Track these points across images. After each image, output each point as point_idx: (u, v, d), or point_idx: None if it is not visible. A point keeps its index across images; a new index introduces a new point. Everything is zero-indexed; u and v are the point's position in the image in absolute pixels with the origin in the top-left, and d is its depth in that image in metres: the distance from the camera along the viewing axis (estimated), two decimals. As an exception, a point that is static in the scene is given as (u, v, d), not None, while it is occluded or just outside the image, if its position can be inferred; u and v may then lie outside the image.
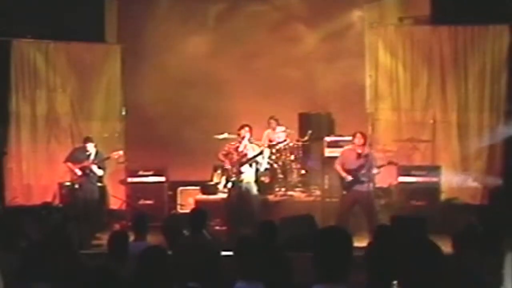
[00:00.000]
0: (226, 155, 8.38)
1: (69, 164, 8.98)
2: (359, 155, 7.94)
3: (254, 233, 5.68)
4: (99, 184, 9.26)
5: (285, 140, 9.57)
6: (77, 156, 8.98)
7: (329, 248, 2.75)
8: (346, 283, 2.70)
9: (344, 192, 8.04)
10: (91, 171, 8.86)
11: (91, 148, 8.94)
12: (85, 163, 8.84)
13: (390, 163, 8.25)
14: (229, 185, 8.31)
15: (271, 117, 9.96)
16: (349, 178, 7.91)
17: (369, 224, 7.80)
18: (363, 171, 7.89)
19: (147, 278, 3.39)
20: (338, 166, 8.11)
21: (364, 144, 7.98)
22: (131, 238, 5.44)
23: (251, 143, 8.40)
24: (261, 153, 8.19)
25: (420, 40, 9.66)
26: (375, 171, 7.94)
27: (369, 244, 4.23)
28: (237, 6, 11.12)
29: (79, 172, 8.83)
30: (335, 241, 2.78)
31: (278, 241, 5.62)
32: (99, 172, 8.96)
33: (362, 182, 7.93)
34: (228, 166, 8.32)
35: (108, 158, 9.04)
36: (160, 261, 3.48)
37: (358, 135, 7.97)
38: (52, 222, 7.40)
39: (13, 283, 3.83)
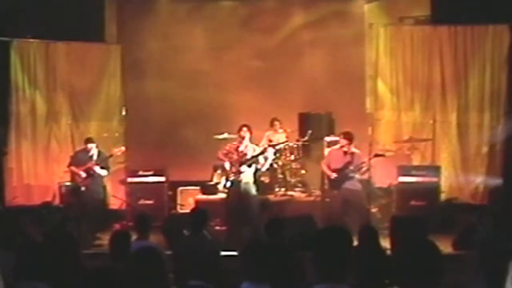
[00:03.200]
0: (226, 155, 8.37)
1: (73, 168, 8.95)
2: (345, 153, 8.16)
3: (261, 231, 5.71)
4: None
5: (285, 141, 9.58)
6: (79, 158, 8.94)
7: (330, 247, 2.75)
8: (347, 282, 2.70)
9: (335, 191, 8.12)
10: (95, 172, 8.82)
11: (93, 149, 8.91)
12: (89, 164, 8.79)
13: (376, 155, 8.32)
14: (228, 184, 8.30)
15: (275, 119, 9.97)
16: (334, 175, 8.15)
17: (360, 223, 7.82)
18: (350, 167, 8.09)
19: (142, 278, 3.39)
20: (324, 166, 8.37)
21: (349, 143, 8.16)
22: (133, 237, 5.45)
23: (251, 143, 8.40)
24: (264, 151, 8.19)
25: (420, 40, 9.65)
26: (363, 169, 8.18)
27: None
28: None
29: (83, 175, 8.78)
30: (336, 241, 2.78)
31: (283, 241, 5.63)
32: (103, 173, 8.90)
33: (350, 178, 8.11)
34: (227, 165, 8.31)
35: (111, 156, 9.01)
36: (155, 261, 3.48)
37: (342, 135, 8.25)
38: (52, 222, 7.41)
39: (13, 283, 3.82)
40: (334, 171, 8.20)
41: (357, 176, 8.22)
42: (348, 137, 8.20)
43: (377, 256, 5.07)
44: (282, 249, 5.06)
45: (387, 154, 8.99)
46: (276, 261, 3.11)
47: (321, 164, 8.53)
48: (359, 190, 8.19)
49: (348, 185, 8.11)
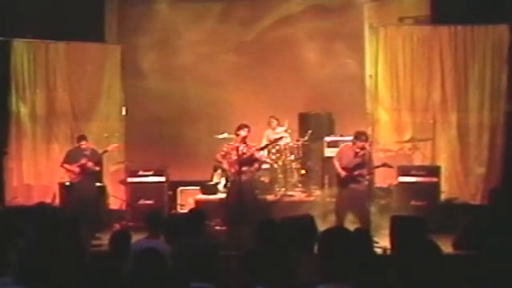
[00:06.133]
0: (224, 156, 8.37)
1: (66, 165, 8.86)
2: (356, 154, 7.89)
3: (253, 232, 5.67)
4: (98, 184, 9.25)
5: (283, 136, 9.51)
6: (72, 156, 8.84)
7: (333, 248, 2.75)
8: (350, 283, 2.69)
9: (340, 190, 8.05)
10: (88, 168, 8.74)
11: (86, 146, 8.82)
12: (82, 161, 8.72)
13: (384, 165, 8.23)
14: (229, 185, 8.32)
15: (272, 117, 9.98)
16: (343, 174, 7.88)
17: (361, 223, 7.81)
18: (359, 171, 7.86)
19: (143, 279, 3.39)
20: (336, 162, 8.06)
21: (364, 146, 7.88)
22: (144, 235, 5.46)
23: (250, 143, 8.41)
24: (280, 138, 8.27)
25: (420, 40, 9.65)
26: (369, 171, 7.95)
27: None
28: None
29: (76, 170, 8.69)
30: (339, 242, 2.78)
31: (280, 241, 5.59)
32: (95, 168, 8.84)
33: (357, 182, 7.92)
34: (226, 166, 8.32)
35: (105, 151, 8.98)
36: (156, 262, 3.48)
37: (363, 137, 7.85)
38: (46, 222, 7.37)
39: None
40: (344, 168, 7.94)
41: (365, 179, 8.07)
42: (367, 138, 7.94)
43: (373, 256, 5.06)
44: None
45: (387, 154, 8.99)
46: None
47: (333, 160, 8.20)
48: (364, 190, 8.09)
49: (354, 185, 7.99)
